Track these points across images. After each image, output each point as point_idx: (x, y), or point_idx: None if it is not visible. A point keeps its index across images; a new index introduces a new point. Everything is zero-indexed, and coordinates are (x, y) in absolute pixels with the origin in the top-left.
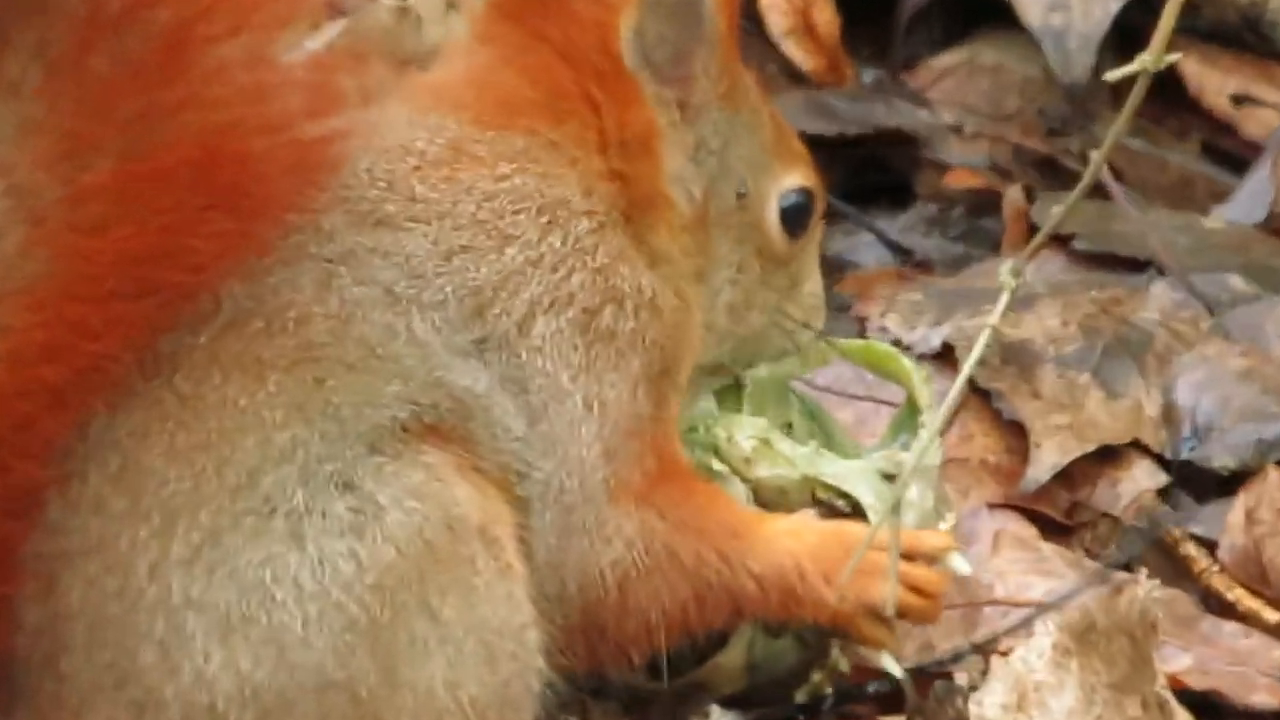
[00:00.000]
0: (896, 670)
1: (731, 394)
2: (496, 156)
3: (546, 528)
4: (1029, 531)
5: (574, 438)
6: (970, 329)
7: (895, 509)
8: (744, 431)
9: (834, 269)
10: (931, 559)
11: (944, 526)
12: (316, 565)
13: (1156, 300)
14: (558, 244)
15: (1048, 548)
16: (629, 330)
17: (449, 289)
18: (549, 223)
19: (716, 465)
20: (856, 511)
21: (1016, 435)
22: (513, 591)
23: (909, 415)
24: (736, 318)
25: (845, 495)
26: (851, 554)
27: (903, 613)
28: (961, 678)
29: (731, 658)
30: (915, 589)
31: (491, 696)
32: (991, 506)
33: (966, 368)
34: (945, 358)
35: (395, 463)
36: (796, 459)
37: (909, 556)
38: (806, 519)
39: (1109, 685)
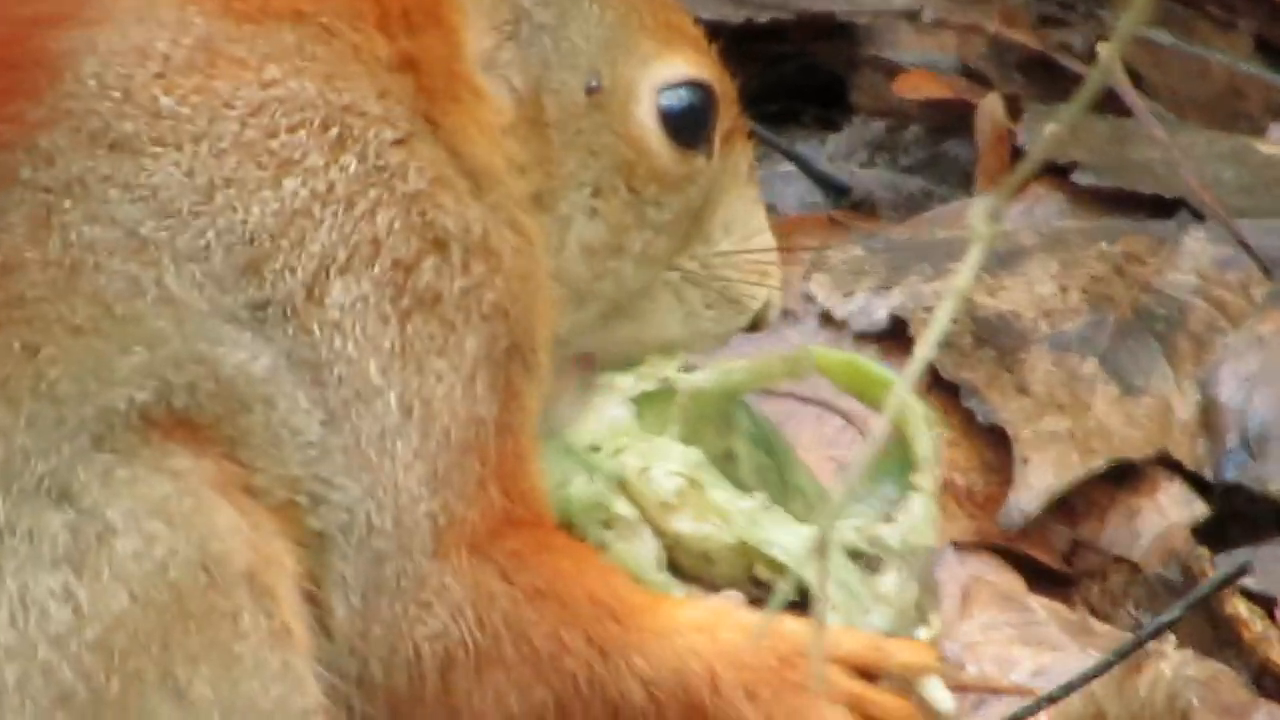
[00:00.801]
0: None
1: (655, 405)
2: (261, 57)
3: (349, 581)
4: (1013, 583)
5: (386, 454)
6: (929, 296)
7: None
8: (667, 463)
9: None
10: (902, 681)
11: (923, 635)
12: (17, 608)
13: (1192, 257)
14: (353, 166)
15: (1039, 606)
16: (459, 291)
17: (211, 234)
18: (338, 139)
19: (620, 507)
20: (807, 601)
21: (996, 447)
22: (290, 664)
23: (899, 460)
24: (597, 266)
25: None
26: (791, 662)
27: None
28: None
29: None
30: (870, 719)
31: None
32: (961, 547)
33: (923, 351)
34: (894, 337)
35: (130, 465)
36: (734, 515)
37: (869, 674)
38: (727, 607)
39: None
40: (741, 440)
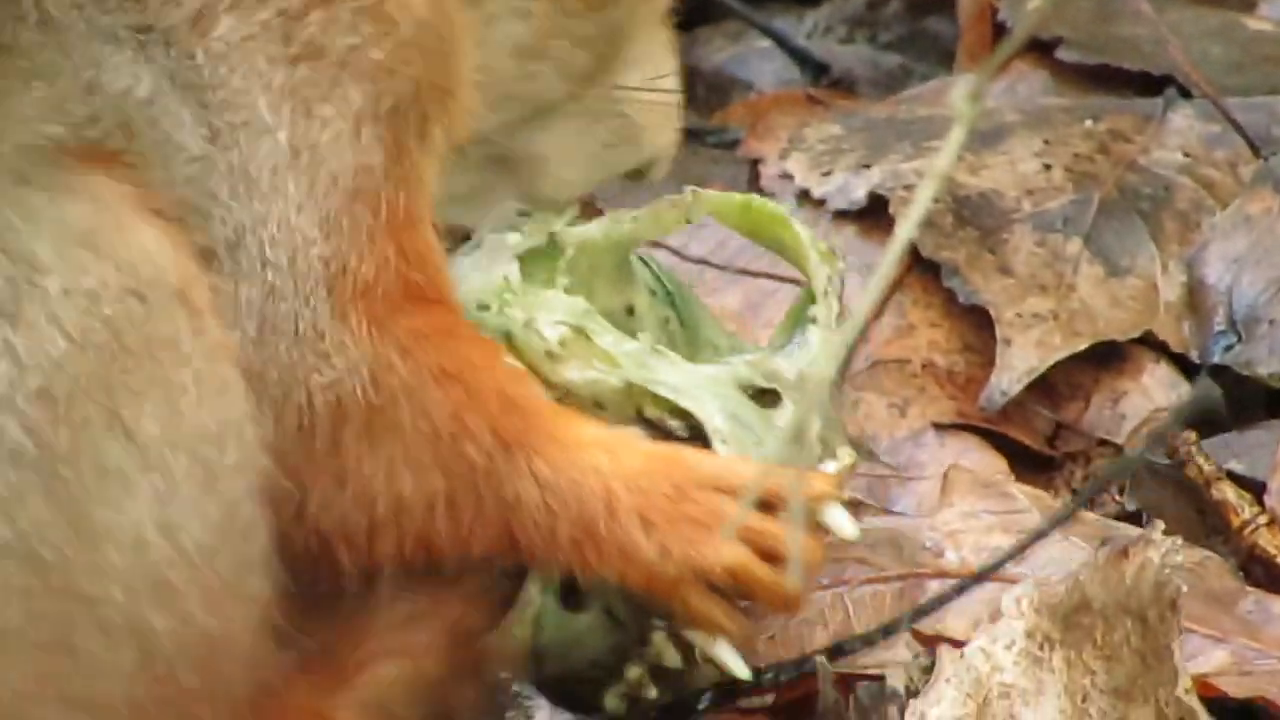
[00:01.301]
0: (739, 668)
1: (544, 261)
2: None
3: (242, 304)
4: (994, 466)
5: (277, 191)
6: (910, 175)
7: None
8: (551, 314)
9: (714, 89)
10: (803, 511)
11: (830, 467)
12: None
13: (1179, 135)
14: None
15: (1020, 491)
16: (344, 46)
17: None
18: None
19: (509, 360)
20: (696, 438)
21: (977, 327)
22: (226, 377)
23: (808, 304)
24: (519, 66)
25: (684, 414)
26: (686, 493)
27: (747, 588)
28: (895, 678)
29: (507, 637)
30: (768, 554)
31: (219, 532)
32: (940, 428)
33: (903, 230)
34: (874, 216)
35: (50, 193)
36: (621, 358)
37: (767, 505)
38: (631, 432)
39: (1108, 689)
40: (641, 294)
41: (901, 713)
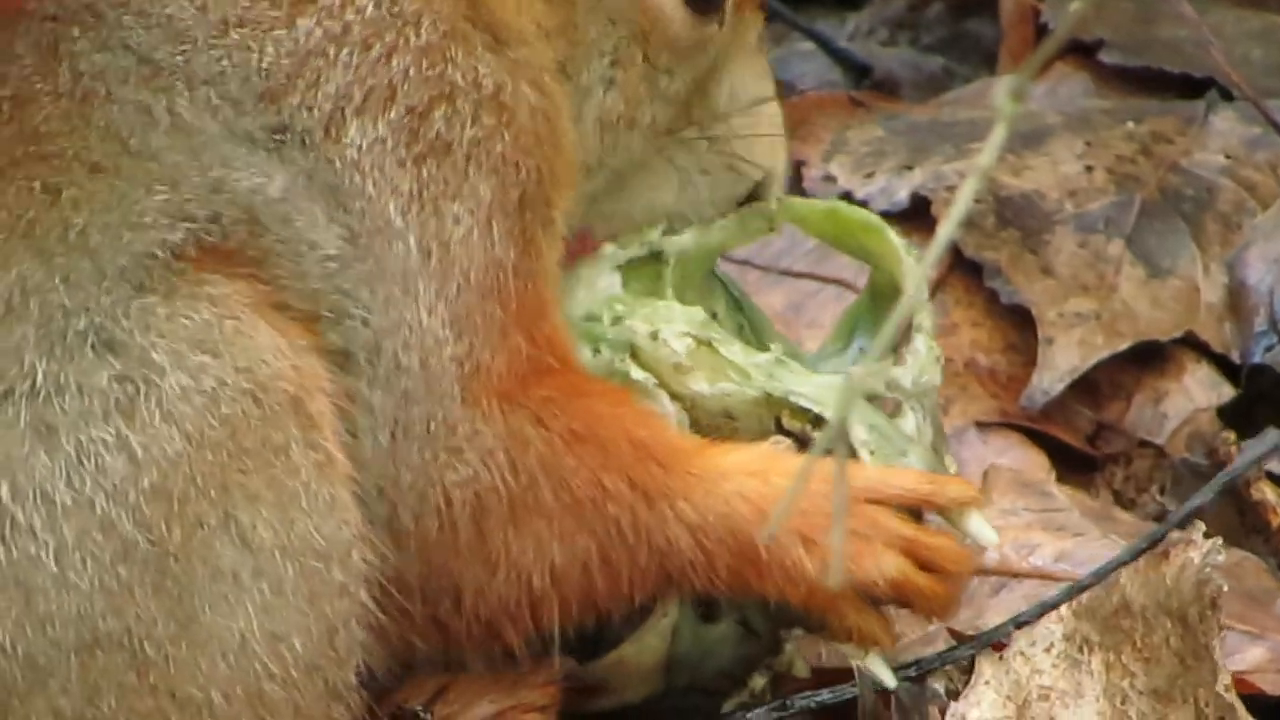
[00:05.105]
0: (889, 679)
1: (645, 272)
2: None
3: (377, 412)
4: (1036, 464)
5: (410, 295)
6: (952, 177)
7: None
8: (674, 326)
9: None
10: (950, 518)
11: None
12: (73, 465)
13: (1220, 137)
14: (369, 9)
15: (1060, 493)
16: (468, 140)
17: (227, 63)
18: None
19: (636, 373)
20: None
21: (1019, 327)
22: (337, 496)
23: (870, 308)
24: (610, 138)
25: (822, 424)
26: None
27: (906, 597)
28: (937, 681)
29: (645, 649)
30: (927, 564)
31: (318, 652)
32: (983, 427)
33: (946, 230)
34: (917, 217)
35: (170, 303)
36: (751, 369)
37: (917, 514)
38: (775, 452)
39: (1147, 691)
40: (721, 300)
41: (942, 713)
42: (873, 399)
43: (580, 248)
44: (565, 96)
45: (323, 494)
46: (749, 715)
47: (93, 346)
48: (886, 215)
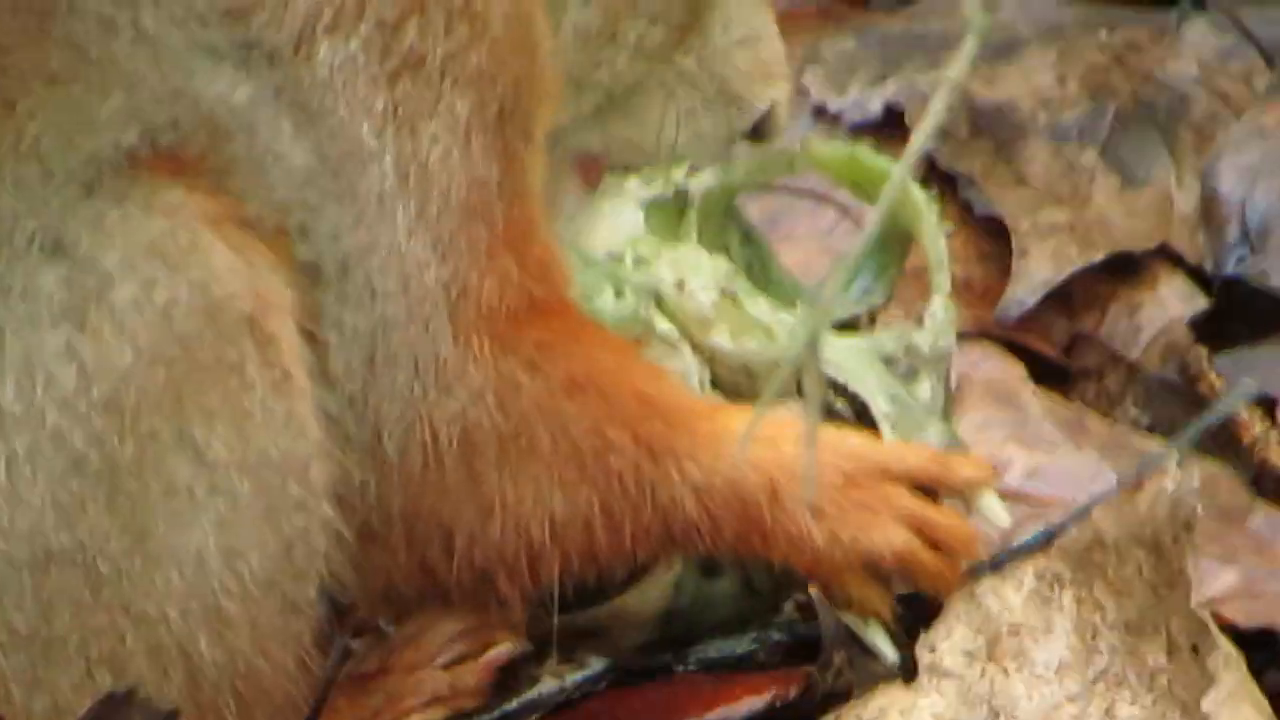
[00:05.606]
0: (891, 654)
1: (669, 211)
2: None
3: (348, 332)
4: (1012, 374)
5: (386, 217)
6: (925, 88)
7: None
8: (701, 277)
9: None
10: (961, 496)
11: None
12: (22, 375)
13: (1193, 47)
14: None
15: (1034, 402)
16: (442, 54)
17: None
18: None
19: (660, 323)
20: (860, 417)
21: (993, 238)
22: (293, 412)
23: (879, 254)
24: (592, 53)
25: (847, 393)
26: (855, 480)
27: (911, 573)
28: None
29: (646, 600)
30: (934, 542)
31: (276, 567)
32: (959, 337)
33: (918, 141)
34: (890, 129)
35: (122, 207)
36: (775, 327)
37: (930, 490)
38: (787, 418)
39: (1118, 624)
40: (735, 237)
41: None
42: (890, 364)
43: (591, 175)
44: (539, 4)
45: (279, 410)
46: (726, 642)
47: (40, 248)
48: (860, 128)
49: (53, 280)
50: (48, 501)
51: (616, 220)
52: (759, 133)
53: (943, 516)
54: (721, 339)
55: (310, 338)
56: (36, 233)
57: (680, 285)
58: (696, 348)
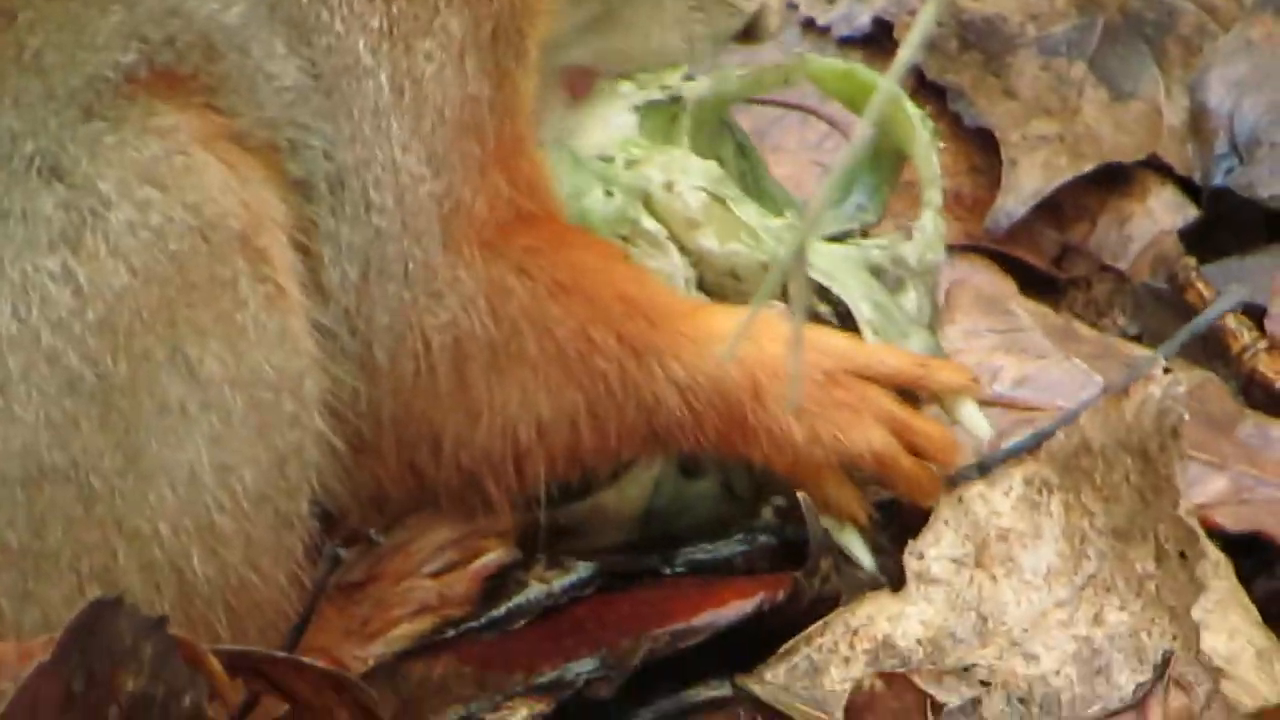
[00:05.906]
0: (865, 558)
1: (662, 115)
2: None
3: (344, 246)
4: (1001, 286)
5: (381, 132)
6: (913, 1)
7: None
8: (690, 179)
9: None
10: (941, 402)
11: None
12: (18, 296)
13: None
14: None
15: (1023, 311)
16: None
17: None
18: None
19: (648, 222)
20: (843, 322)
21: (983, 150)
22: (286, 327)
23: (872, 169)
24: None
25: (831, 297)
26: (837, 379)
27: (889, 476)
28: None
29: (625, 499)
30: (914, 448)
31: (268, 483)
32: (950, 249)
33: (906, 53)
34: (879, 42)
35: (118, 130)
36: (762, 232)
37: (911, 395)
38: (771, 317)
39: (1106, 530)
40: (728, 147)
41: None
42: (878, 274)
43: (581, 86)
44: None
45: (272, 325)
46: (712, 545)
47: (39, 172)
48: (849, 41)
49: (51, 204)
50: (42, 420)
51: (609, 123)
52: (749, 34)
53: (923, 422)
54: (709, 240)
55: (304, 251)
56: (35, 155)
57: (669, 186)
58: (684, 249)
